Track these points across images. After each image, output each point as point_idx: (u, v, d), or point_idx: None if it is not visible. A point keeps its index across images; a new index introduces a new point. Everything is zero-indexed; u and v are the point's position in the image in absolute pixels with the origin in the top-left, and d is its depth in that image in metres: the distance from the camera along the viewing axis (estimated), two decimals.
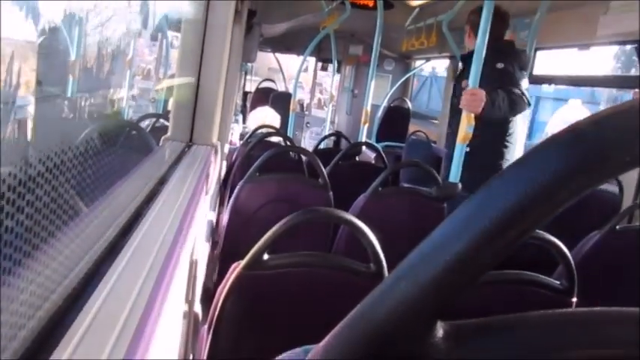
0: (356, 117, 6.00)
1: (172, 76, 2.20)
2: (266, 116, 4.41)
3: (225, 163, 3.47)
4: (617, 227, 2.03)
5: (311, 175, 2.64)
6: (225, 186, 3.36)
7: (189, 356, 1.50)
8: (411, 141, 5.31)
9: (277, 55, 8.61)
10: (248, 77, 9.01)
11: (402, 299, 0.33)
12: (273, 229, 1.27)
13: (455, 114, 2.84)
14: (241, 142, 4.48)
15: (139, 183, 1.08)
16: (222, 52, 1.88)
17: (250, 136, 3.94)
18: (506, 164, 2.84)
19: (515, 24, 3.82)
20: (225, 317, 1.29)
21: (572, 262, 1.40)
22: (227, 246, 2.30)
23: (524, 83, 2.85)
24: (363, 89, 5.77)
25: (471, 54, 2.66)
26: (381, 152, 3.62)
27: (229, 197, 2.56)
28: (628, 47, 3.06)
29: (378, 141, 5.52)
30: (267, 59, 9.27)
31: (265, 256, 1.28)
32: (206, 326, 1.40)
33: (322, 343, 0.36)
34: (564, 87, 5.88)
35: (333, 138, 5.37)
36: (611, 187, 2.78)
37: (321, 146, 4.58)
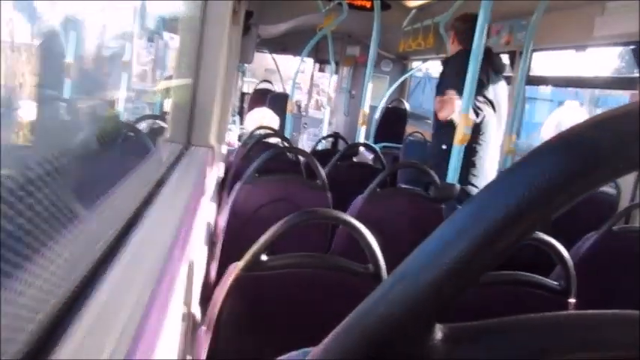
0: (353, 118, 6.00)
1: (170, 78, 2.20)
2: (264, 117, 4.41)
3: (223, 164, 3.47)
4: (615, 228, 2.04)
5: (309, 176, 2.64)
6: (224, 187, 3.36)
7: (187, 357, 1.50)
8: (409, 142, 5.31)
9: (274, 56, 8.61)
10: (245, 79, 9.01)
11: (400, 302, 0.33)
12: (271, 230, 1.27)
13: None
14: (239, 143, 4.49)
15: (137, 185, 1.08)
16: (219, 54, 1.88)
17: (248, 138, 3.94)
18: (479, 161, 2.95)
19: (512, 25, 3.84)
20: (224, 318, 1.29)
21: (569, 263, 1.41)
22: (225, 247, 2.30)
23: (501, 86, 2.98)
24: (360, 90, 5.78)
25: (449, 58, 2.92)
26: (379, 153, 3.63)
27: (227, 198, 2.56)
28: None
29: (375, 142, 5.52)
30: (263, 60, 9.27)
31: (263, 257, 1.28)
32: (204, 327, 1.40)
33: (320, 346, 0.36)
34: (550, 88, 5.89)
35: (330, 139, 5.37)
36: (608, 189, 2.79)
37: (319, 147, 4.58)
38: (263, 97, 7.78)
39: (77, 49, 0.91)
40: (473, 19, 2.63)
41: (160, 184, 1.20)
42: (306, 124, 7.07)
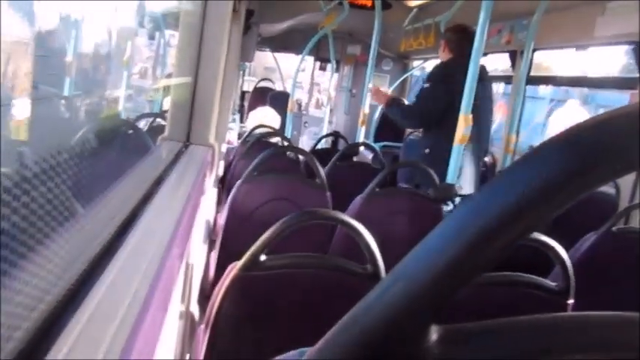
0: (354, 117, 6.00)
1: (170, 76, 2.20)
2: (265, 116, 4.41)
3: (222, 162, 3.47)
4: (614, 229, 2.03)
5: (309, 176, 2.64)
6: (223, 185, 3.36)
7: (185, 356, 1.50)
8: (409, 141, 5.31)
9: (275, 54, 8.61)
10: (245, 78, 9.01)
11: (396, 303, 0.33)
12: (270, 230, 1.27)
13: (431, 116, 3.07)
14: (239, 141, 4.48)
15: (136, 183, 1.07)
16: (219, 52, 1.87)
17: (248, 136, 3.94)
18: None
19: (513, 25, 3.83)
20: (222, 318, 1.29)
21: (568, 263, 1.41)
22: (224, 246, 2.30)
23: (484, 92, 3.09)
24: (361, 89, 5.78)
25: (438, 67, 3.18)
26: (379, 153, 3.63)
27: (227, 197, 2.56)
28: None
29: (376, 141, 5.53)
30: (263, 58, 9.25)
31: (262, 257, 1.28)
32: (203, 326, 1.40)
33: (316, 346, 0.36)
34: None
35: (331, 138, 5.38)
36: (607, 189, 2.78)
37: (319, 146, 4.58)
38: (263, 96, 7.78)
39: (76, 47, 0.91)
40: (463, 30, 2.92)
41: (158, 182, 1.19)
42: (306, 122, 7.06)
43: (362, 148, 4.44)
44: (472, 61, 2.58)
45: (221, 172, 3.39)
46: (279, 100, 6.62)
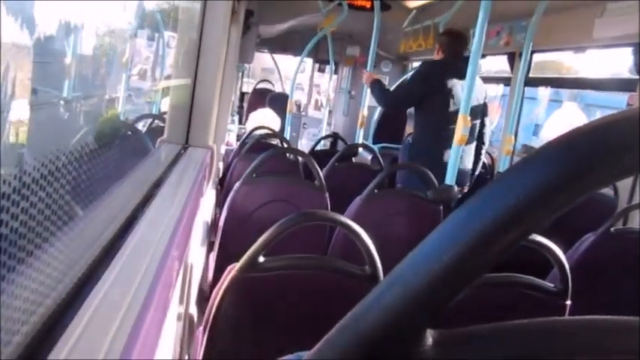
0: (353, 118, 6.00)
1: (169, 77, 2.20)
2: (265, 117, 4.40)
3: (221, 164, 3.47)
4: (612, 229, 2.04)
5: (307, 177, 2.64)
6: (222, 187, 3.36)
7: (184, 357, 1.50)
8: (407, 143, 5.31)
9: (274, 55, 8.61)
10: (245, 79, 9.01)
11: (392, 307, 0.33)
12: (269, 232, 1.27)
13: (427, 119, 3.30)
14: (238, 143, 4.48)
15: (135, 186, 1.08)
16: (218, 53, 1.87)
17: (247, 138, 3.94)
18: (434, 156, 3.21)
19: (512, 26, 3.84)
20: (221, 319, 1.29)
21: (566, 264, 1.41)
22: (223, 247, 2.30)
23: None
24: (360, 91, 5.78)
25: (427, 62, 3.46)
26: (377, 154, 3.63)
27: (226, 198, 2.56)
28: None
29: (374, 142, 5.53)
30: (261, 59, 9.24)
31: (261, 259, 1.28)
32: (202, 327, 1.40)
33: (313, 350, 0.36)
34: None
35: (330, 139, 5.38)
36: (606, 190, 2.79)
37: (318, 147, 4.58)
38: (262, 97, 7.77)
39: (74, 48, 0.91)
40: (456, 33, 3.28)
41: (157, 184, 1.20)
42: (305, 124, 7.06)
43: (361, 150, 4.44)
44: (471, 62, 2.59)
45: (220, 174, 3.39)
46: (278, 102, 6.62)
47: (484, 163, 4.01)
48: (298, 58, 5.49)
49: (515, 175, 0.32)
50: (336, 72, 6.90)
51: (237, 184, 2.37)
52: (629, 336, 0.32)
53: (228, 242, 2.28)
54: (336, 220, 1.36)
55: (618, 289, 1.86)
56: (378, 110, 6.15)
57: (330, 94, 6.83)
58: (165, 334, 0.80)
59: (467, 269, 0.31)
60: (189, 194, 1.18)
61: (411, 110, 4.07)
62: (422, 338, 0.33)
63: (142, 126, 1.98)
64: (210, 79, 1.86)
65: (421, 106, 3.23)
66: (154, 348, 0.64)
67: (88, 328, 0.55)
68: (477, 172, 3.47)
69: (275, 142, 3.72)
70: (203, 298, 2.07)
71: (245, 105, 8.37)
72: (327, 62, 6.24)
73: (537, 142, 6.44)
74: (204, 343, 1.32)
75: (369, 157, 4.18)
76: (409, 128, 6.03)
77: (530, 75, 3.73)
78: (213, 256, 2.39)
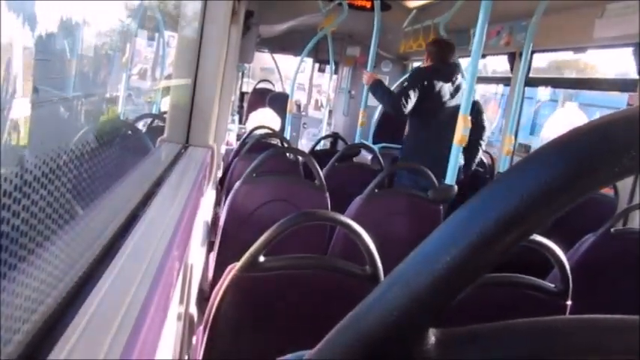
0: (353, 118, 6.00)
1: (169, 77, 2.20)
2: (265, 117, 4.40)
3: (221, 164, 3.47)
4: (613, 230, 2.04)
5: (307, 177, 2.64)
6: (222, 186, 3.36)
7: (184, 357, 1.50)
8: None
9: (274, 55, 8.61)
10: (245, 80, 9.01)
11: (394, 306, 0.33)
12: (269, 232, 1.27)
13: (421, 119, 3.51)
14: (238, 142, 4.48)
15: (135, 185, 1.08)
16: (219, 53, 1.87)
17: (247, 137, 3.94)
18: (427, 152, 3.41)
19: (512, 26, 3.84)
20: (221, 319, 1.29)
21: (566, 265, 1.41)
22: (223, 247, 2.30)
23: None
24: (360, 90, 5.78)
25: (420, 68, 3.80)
26: (377, 154, 3.63)
27: (226, 198, 2.56)
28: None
29: (375, 142, 5.52)
30: (260, 59, 9.23)
31: (261, 258, 1.28)
32: (202, 327, 1.40)
33: (314, 350, 0.36)
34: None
35: (330, 139, 5.37)
36: (606, 190, 2.79)
37: (318, 147, 4.58)
38: (262, 97, 7.77)
39: (75, 47, 0.91)
40: (442, 43, 3.62)
41: (158, 184, 1.20)
42: (305, 123, 7.06)
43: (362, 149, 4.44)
44: (471, 62, 2.60)
45: (220, 173, 3.39)
46: (278, 101, 6.61)
47: (484, 163, 4.01)
48: (298, 58, 5.49)
49: (515, 176, 0.32)
50: (336, 72, 6.89)
51: (237, 184, 2.37)
52: (630, 335, 0.32)
53: (228, 242, 2.28)
54: (336, 220, 1.36)
55: (618, 290, 1.86)
56: (378, 110, 6.15)
57: (330, 94, 6.82)
58: (165, 334, 0.80)
59: (468, 269, 0.31)
60: (189, 194, 1.18)
61: None
62: (424, 338, 0.33)
63: (142, 125, 1.98)
64: (210, 79, 1.86)
65: (414, 107, 3.44)
66: (154, 348, 0.64)
67: (89, 328, 0.55)
68: (472, 168, 3.58)
69: (275, 141, 3.72)
70: (203, 298, 2.07)
71: (245, 105, 8.37)
72: (327, 62, 6.24)
73: (533, 141, 6.45)
74: (204, 343, 1.32)
75: (369, 156, 4.18)
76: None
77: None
78: (213, 255, 2.39)
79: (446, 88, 3.41)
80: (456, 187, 2.62)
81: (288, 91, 6.36)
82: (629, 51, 2.86)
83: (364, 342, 0.33)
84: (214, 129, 2.01)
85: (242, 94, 8.70)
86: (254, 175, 2.37)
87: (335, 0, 4.70)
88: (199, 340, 1.43)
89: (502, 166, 3.57)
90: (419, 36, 4.85)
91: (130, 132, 1.50)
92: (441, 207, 2.51)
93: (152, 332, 0.62)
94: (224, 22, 1.87)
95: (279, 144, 3.64)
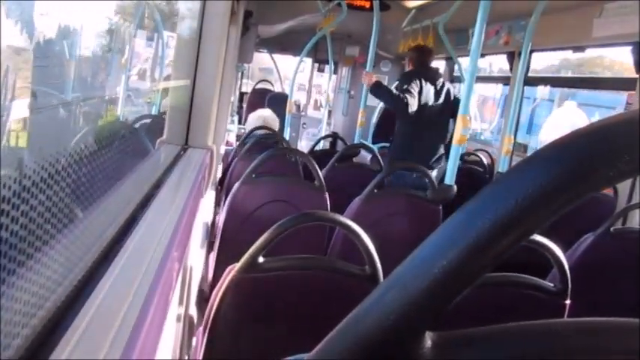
0: (352, 118, 6.00)
1: (168, 78, 2.20)
2: (264, 117, 4.40)
3: (221, 164, 3.46)
4: (612, 229, 2.04)
5: (307, 177, 2.64)
6: (222, 187, 3.36)
7: (184, 358, 1.50)
8: None
9: (273, 55, 8.61)
10: (244, 80, 9.01)
11: (391, 310, 0.33)
12: (269, 232, 1.27)
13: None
14: (237, 143, 4.48)
15: (135, 187, 1.08)
16: (218, 54, 1.87)
17: (246, 138, 3.94)
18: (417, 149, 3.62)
19: (511, 26, 3.84)
20: (221, 320, 1.29)
21: (565, 264, 1.41)
22: (223, 248, 2.30)
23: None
24: (359, 90, 5.78)
25: (405, 74, 4.13)
26: (376, 154, 3.63)
27: (225, 199, 2.56)
28: None
29: (374, 142, 5.53)
30: (260, 59, 9.22)
31: (261, 259, 1.28)
32: (202, 328, 1.40)
33: (313, 352, 0.36)
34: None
35: (329, 139, 5.37)
36: (606, 190, 2.79)
37: (318, 147, 4.58)
38: (262, 97, 7.77)
39: (74, 48, 0.91)
40: (421, 49, 3.91)
41: (157, 185, 1.20)
42: (304, 124, 7.06)
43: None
44: (470, 61, 2.60)
45: (219, 174, 3.39)
46: (277, 102, 6.61)
47: (483, 163, 4.02)
48: (297, 58, 5.49)
49: (515, 177, 0.32)
50: (335, 72, 6.90)
51: (236, 185, 2.37)
52: (628, 337, 0.32)
53: (227, 243, 2.28)
54: (335, 221, 1.36)
55: (618, 289, 1.86)
56: (377, 110, 6.15)
57: (330, 94, 6.82)
58: (165, 335, 0.80)
59: (466, 272, 0.31)
60: (188, 195, 1.18)
61: None
62: (421, 341, 0.33)
63: (141, 127, 1.98)
64: (209, 80, 1.86)
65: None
66: (154, 349, 0.64)
67: (89, 329, 0.55)
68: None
69: (275, 142, 3.72)
70: (203, 299, 2.07)
71: (244, 105, 8.38)
72: (327, 62, 6.24)
73: (530, 140, 6.46)
74: (204, 343, 1.32)
75: (369, 157, 4.18)
76: None
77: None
78: (213, 256, 2.39)
79: (430, 90, 3.60)
80: (455, 187, 2.62)
81: (287, 91, 6.36)
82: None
83: (362, 345, 0.34)
84: (213, 130, 2.00)
85: (241, 95, 8.70)
86: (253, 175, 2.37)
87: (334, 0, 4.70)
88: (199, 340, 1.43)
89: (502, 166, 3.58)
90: (418, 36, 4.85)
91: (129, 134, 1.50)
92: (441, 207, 2.51)
93: (152, 333, 0.62)
94: (223, 23, 1.87)
95: (279, 144, 3.64)
